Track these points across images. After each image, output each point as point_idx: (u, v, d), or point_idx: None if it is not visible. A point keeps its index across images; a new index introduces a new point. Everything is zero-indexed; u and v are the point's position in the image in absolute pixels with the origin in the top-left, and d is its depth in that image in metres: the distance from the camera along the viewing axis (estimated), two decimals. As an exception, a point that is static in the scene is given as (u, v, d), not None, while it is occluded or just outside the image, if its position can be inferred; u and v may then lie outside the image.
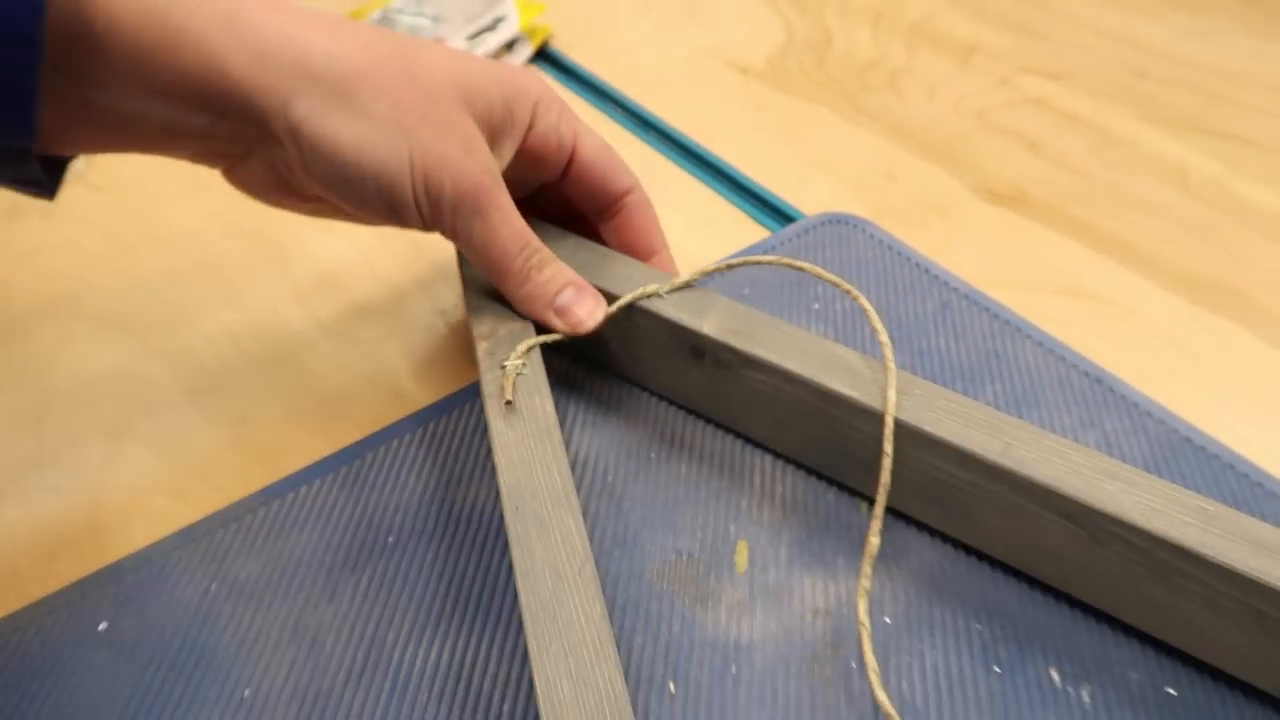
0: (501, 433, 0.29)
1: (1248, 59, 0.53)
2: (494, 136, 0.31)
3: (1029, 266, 0.40)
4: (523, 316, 0.32)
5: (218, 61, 0.27)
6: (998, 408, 0.34)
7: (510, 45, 0.54)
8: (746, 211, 0.44)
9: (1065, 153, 0.47)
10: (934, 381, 0.34)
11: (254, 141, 0.29)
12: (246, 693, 0.27)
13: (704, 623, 0.28)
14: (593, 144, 0.34)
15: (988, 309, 0.38)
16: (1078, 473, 0.26)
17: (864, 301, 0.31)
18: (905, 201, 0.44)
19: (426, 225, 0.31)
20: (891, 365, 0.29)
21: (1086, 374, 0.35)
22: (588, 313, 0.32)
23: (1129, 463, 0.32)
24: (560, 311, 0.32)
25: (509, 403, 0.29)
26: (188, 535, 0.31)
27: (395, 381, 0.36)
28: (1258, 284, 0.39)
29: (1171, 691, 0.27)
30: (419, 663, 0.27)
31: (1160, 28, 0.56)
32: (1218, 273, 0.40)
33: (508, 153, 0.32)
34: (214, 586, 0.29)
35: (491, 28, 0.53)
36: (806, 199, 0.44)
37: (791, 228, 0.42)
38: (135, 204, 0.45)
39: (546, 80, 0.35)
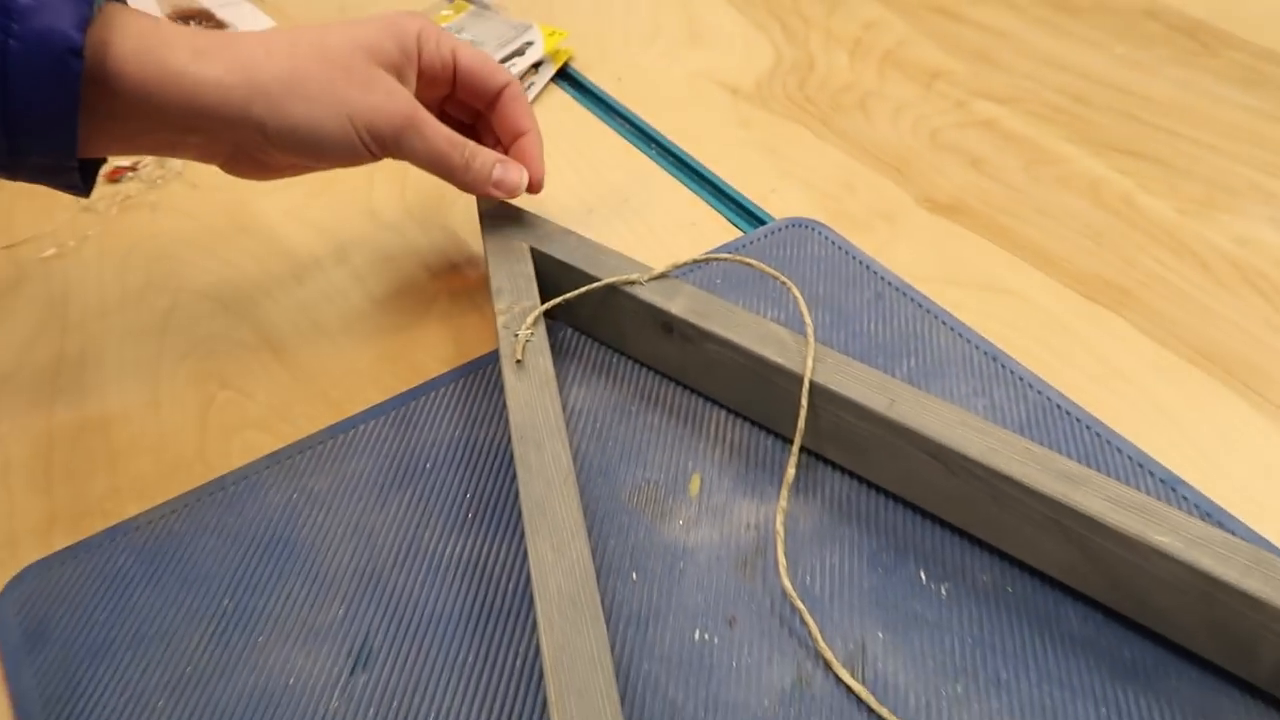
0: (513, 385, 0.38)
1: (1172, 87, 0.60)
2: (400, 73, 0.41)
3: (954, 265, 0.49)
4: (530, 297, 0.42)
5: (195, 95, 0.37)
6: (910, 379, 0.43)
7: (536, 66, 0.63)
8: (725, 215, 0.53)
9: (1002, 168, 0.55)
10: (860, 357, 0.43)
11: (235, 143, 0.39)
12: (317, 572, 0.36)
13: (662, 532, 0.37)
14: (468, 53, 0.44)
15: (913, 299, 0.46)
16: (941, 422, 0.35)
17: (795, 290, 0.40)
18: (859, 209, 0.52)
19: (378, 157, 0.41)
20: (811, 340, 0.38)
21: (985, 353, 0.44)
22: (515, 180, 0.43)
23: (1008, 423, 0.41)
24: (497, 184, 0.42)
25: (519, 362, 0.38)
26: (274, 459, 0.40)
27: (434, 346, 0.46)
28: (1141, 283, 0.48)
29: (1009, 589, 0.35)
30: (448, 553, 0.37)
31: (1103, 58, 0.63)
32: (1109, 273, 0.48)
33: (412, 81, 0.42)
34: (294, 496, 0.39)
35: (521, 52, 0.62)
36: (776, 205, 0.53)
37: (760, 229, 0.51)
38: (224, 200, 0.55)
39: (419, 14, 0.43)
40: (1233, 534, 0.33)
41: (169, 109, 0.36)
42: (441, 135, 0.41)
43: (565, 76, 0.64)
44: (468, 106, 0.46)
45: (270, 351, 0.46)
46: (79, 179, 0.37)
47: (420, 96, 0.43)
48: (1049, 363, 0.44)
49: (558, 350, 0.44)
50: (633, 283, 0.41)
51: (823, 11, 0.69)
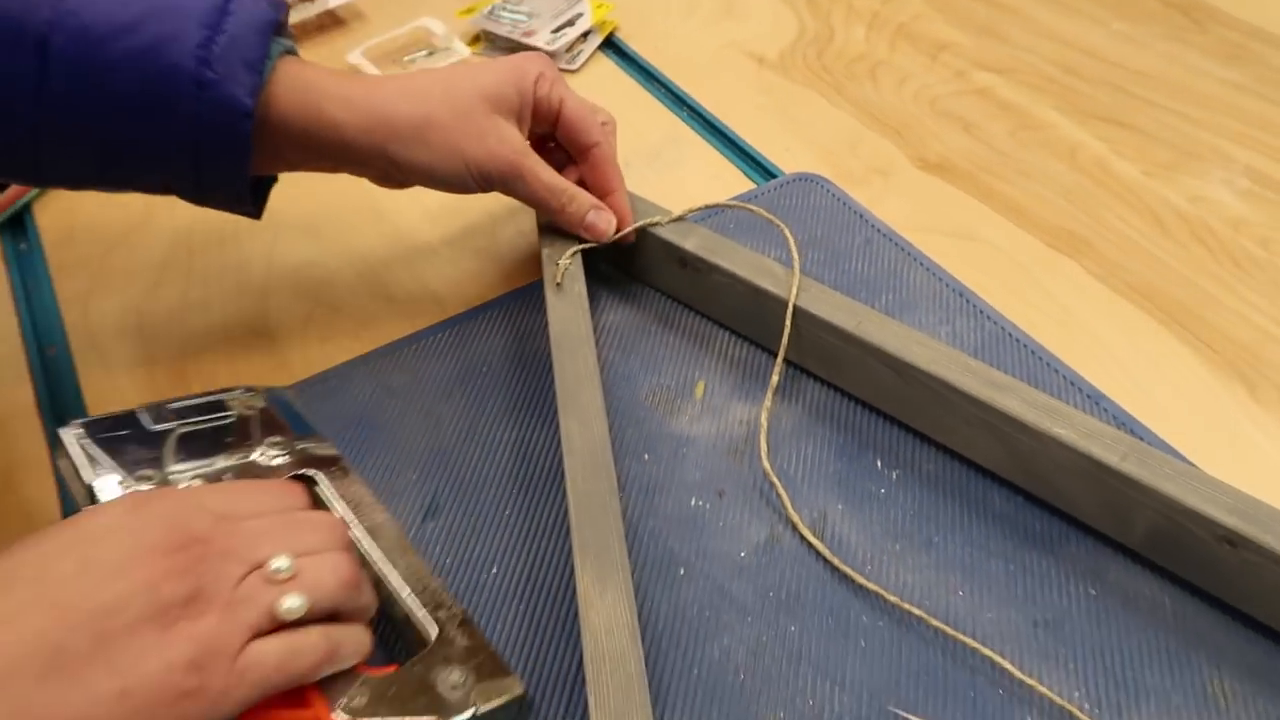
0: (553, 303, 0.47)
1: (1160, 60, 0.67)
2: (518, 117, 0.47)
3: (936, 216, 0.56)
4: (570, 235, 0.50)
5: (344, 139, 0.44)
6: (888, 310, 0.50)
7: (585, 35, 0.71)
8: (743, 169, 0.61)
9: (990, 133, 0.62)
10: (846, 291, 0.51)
11: (378, 170, 0.47)
12: (395, 447, 0.46)
13: (670, 424, 0.46)
14: (573, 104, 0.49)
15: (896, 244, 0.54)
16: (898, 340, 0.43)
17: (787, 231, 0.48)
18: (858, 166, 0.60)
19: (488, 191, 0.48)
20: (797, 272, 0.46)
21: (954, 290, 0.51)
22: (605, 226, 0.49)
23: (965, 347, 0.48)
24: (588, 227, 0.49)
25: (559, 285, 0.47)
26: (362, 360, 0.50)
27: (489, 276, 0.55)
28: (1099, 235, 0.55)
29: (948, 478, 0.43)
30: (499, 435, 0.46)
31: (1099, 32, 0.70)
32: (1073, 226, 0.55)
33: (527, 119, 0.48)
34: (377, 390, 0.49)
35: (571, 22, 0.71)
36: (788, 162, 0.61)
37: (771, 182, 0.59)
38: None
39: (544, 59, 0.49)
40: (1134, 434, 0.41)
41: (325, 149, 0.45)
42: (542, 183, 0.47)
43: (610, 45, 0.72)
44: (564, 149, 0.51)
45: (356, 278, 0.55)
46: (252, 208, 0.47)
47: (531, 131, 0.49)
48: (1007, 300, 0.51)
49: (592, 280, 0.53)
50: (656, 224, 0.50)
51: (846, -13, 0.76)
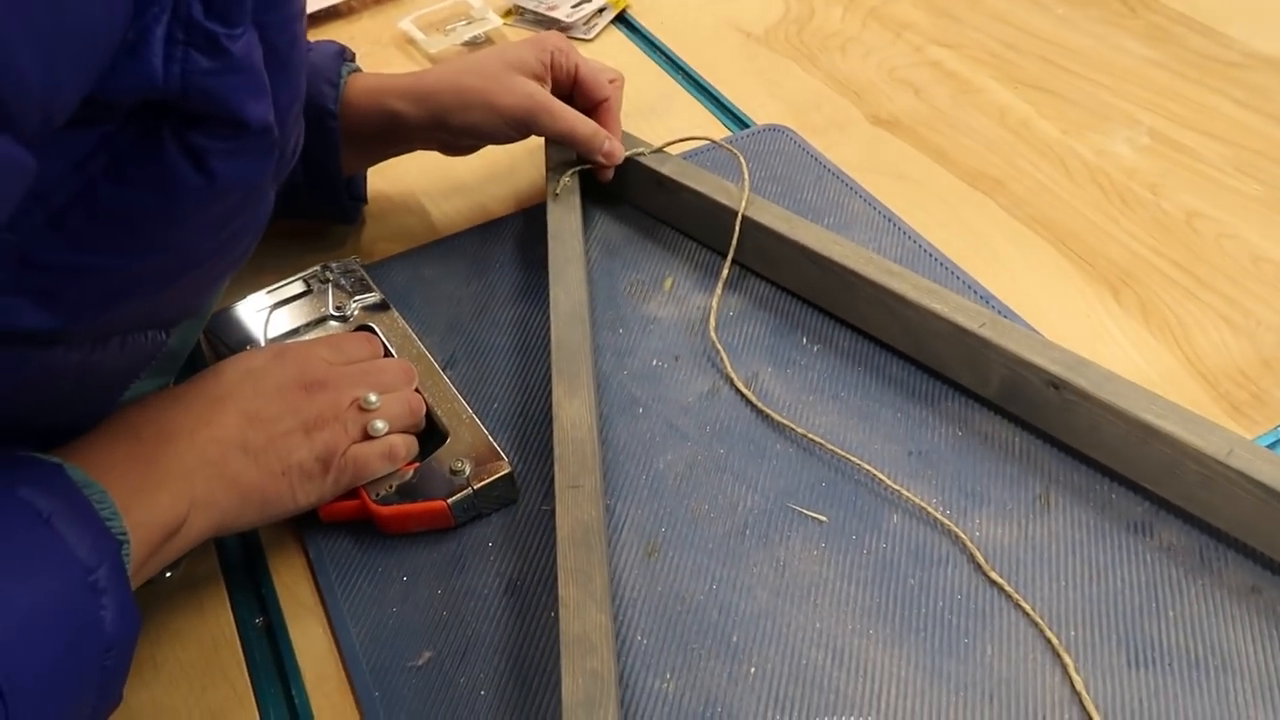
0: (551, 208, 0.59)
1: (1090, 40, 0.77)
2: (538, 78, 0.59)
3: (880, 161, 0.68)
4: (571, 161, 0.62)
5: (406, 127, 0.58)
6: (829, 229, 0.62)
7: (600, 10, 0.83)
8: (723, 121, 0.72)
9: (935, 97, 0.73)
10: (796, 214, 0.62)
11: (439, 142, 0.60)
12: (422, 318, 0.58)
13: (641, 309, 0.58)
14: (586, 67, 0.61)
15: (843, 181, 0.65)
16: (819, 241, 0.54)
17: (741, 159, 0.60)
18: (821, 121, 0.71)
19: (525, 136, 0.60)
20: (746, 189, 0.58)
21: (884, 216, 0.63)
22: (619, 152, 0.60)
23: (889, 259, 0.60)
24: (606, 154, 0.60)
25: (556, 195, 0.59)
26: (402, 255, 0.62)
27: (508, 198, 0.67)
28: (1014, 178, 0.65)
29: (856, 350, 0.55)
30: (505, 314, 0.58)
31: (1044, 17, 0.80)
32: (993, 171, 0.66)
33: (547, 83, 0.60)
34: (412, 277, 0.61)
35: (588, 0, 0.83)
36: (762, 116, 0.72)
37: (744, 131, 0.70)
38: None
39: (561, 36, 0.62)
40: (1002, 315, 0.52)
41: (395, 135, 0.59)
42: (564, 117, 0.58)
43: (622, 19, 0.84)
44: (582, 105, 0.62)
45: (401, 202, 0.68)
46: (350, 209, 0.62)
47: (554, 93, 0.60)
48: (929, 225, 0.62)
49: (586, 198, 0.64)
50: (640, 153, 0.62)
51: (830, -25, 0.88)
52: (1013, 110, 0.71)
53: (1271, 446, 0.50)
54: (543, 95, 0.58)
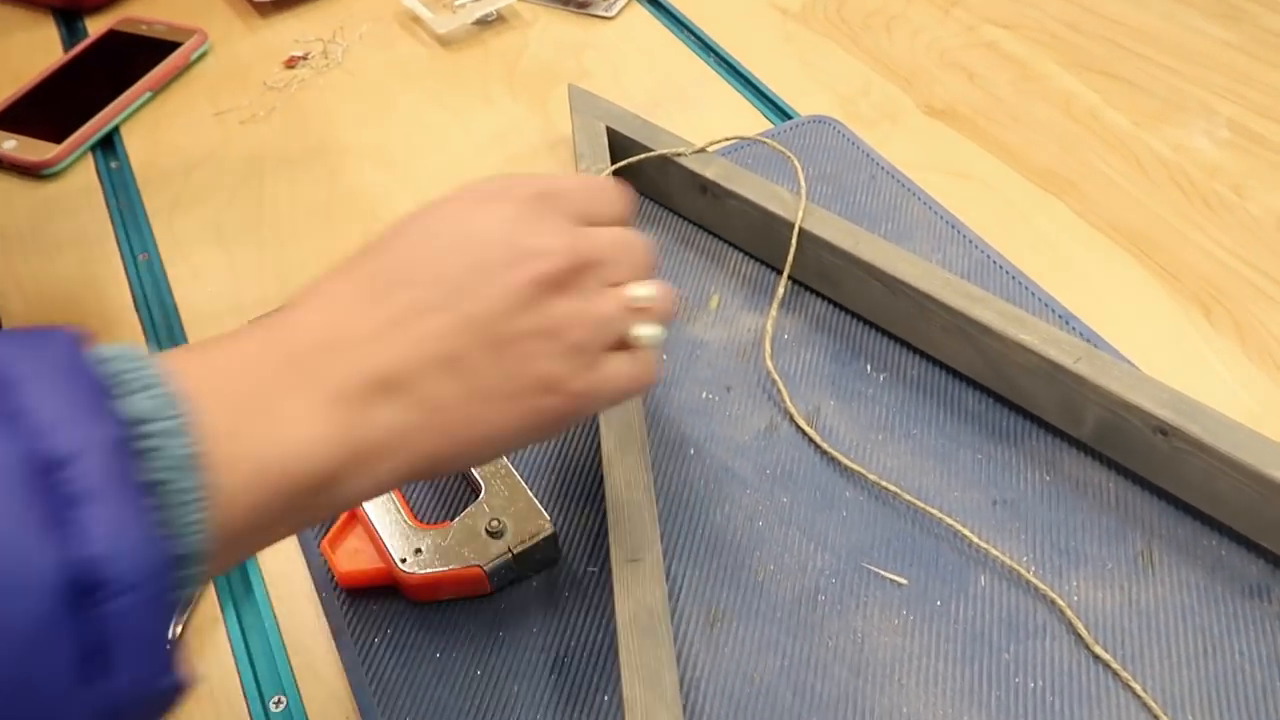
0: (586, 220, 0.53)
1: (1158, 19, 0.71)
2: None
3: (937, 156, 0.62)
4: (603, 161, 0.56)
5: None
6: (887, 238, 0.56)
7: (622, -15, 0.77)
8: (762, 111, 0.66)
9: (993, 83, 0.67)
10: (849, 219, 0.57)
11: None
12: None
13: (686, 331, 0.52)
14: None
15: (898, 180, 0.60)
16: (887, 258, 0.49)
17: (795, 161, 0.54)
18: (870, 111, 0.65)
19: None
20: (804, 199, 0.52)
21: (947, 222, 0.57)
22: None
23: (954, 272, 0.54)
24: None
25: (592, 205, 0.54)
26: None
27: (530, 200, 0.61)
28: (1085, 177, 0.60)
29: (928, 381, 0.49)
30: (535, 336, 0.53)
31: (1105, -9, 0.74)
32: (1061, 169, 0.61)
33: None
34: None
35: (609, -27, 0.76)
36: (805, 105, 0.66)
37: (788, 123, 0.64)
38: (375, 83, 0.71)
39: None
40: (1097, 348, 0.47)
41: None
42: None
43: (645, -5, 0.78)
44: None
45: (411, 199, 0.62)
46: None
47: None
48: (995, 232, 0.57)
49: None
50: (680, 154, 0.56)
51: (869, -56, 0.81)
52: (1079, 99, 0.65)
53: (1392, 491, 0.45)
54: None
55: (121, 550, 0.21)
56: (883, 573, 0.43)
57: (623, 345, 0.34)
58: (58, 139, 0.66)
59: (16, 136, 0.66)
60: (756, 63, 0.70)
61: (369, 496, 0.30)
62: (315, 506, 0.28)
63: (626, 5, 0.76)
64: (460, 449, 0.31)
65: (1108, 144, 0.62)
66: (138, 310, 0.57)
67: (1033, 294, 0.53)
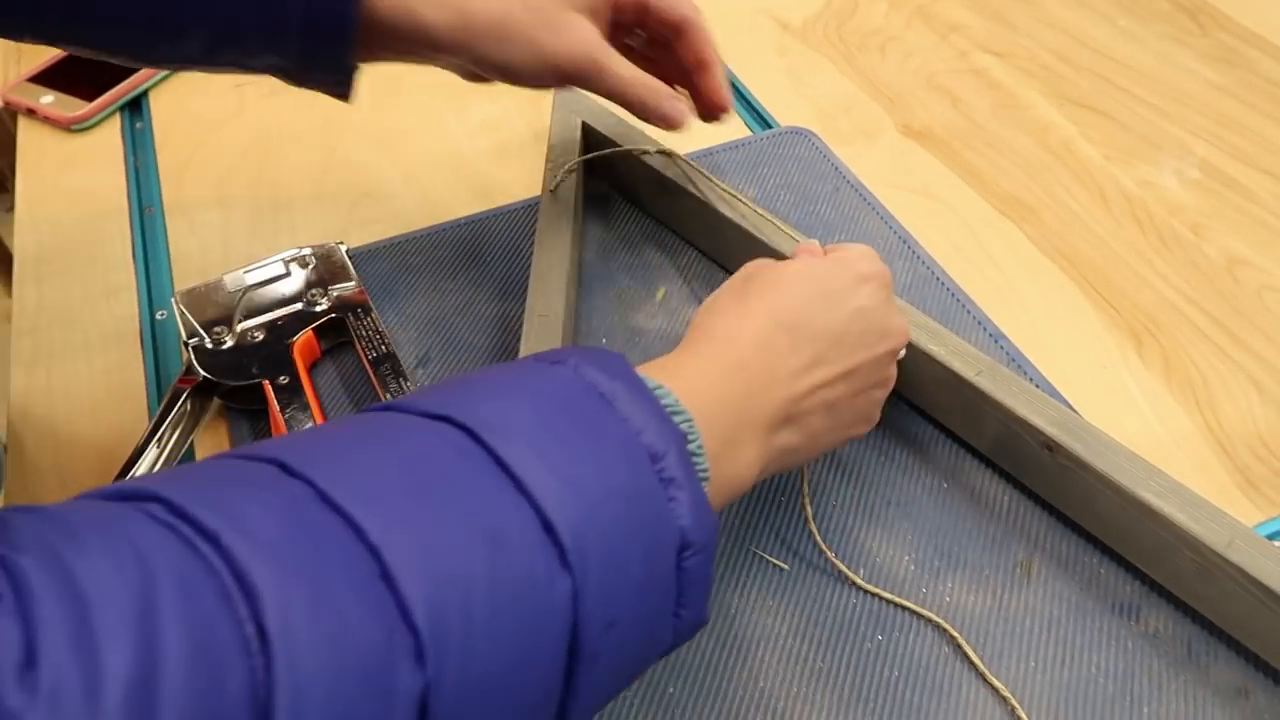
0: (545, 206, 0.56)
1: (1152, 57, 0.72)
2: (593, 11, 0.48)
3: (904, 175, 0.64)
4: (573, 154, 0.59)
5: (431, 36, 0.45)
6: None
7: (634, -9, 0.80)
8: (745, 119, 0.69)
9: (974, 108, 0.68)
10: (806, 229, 0.59)
11: (461, 67, 0.49)
12: (401, 310, 0.56)
13: (630, 319, 0.55)
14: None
15: (861, 194, 0.62)
16: (819, 263, 0.51)
17: (680, 157, 0.56)
18: (848, 127, 0.67)
19: (563, 86, 0.49)
20: (751, 203, 0.54)
21: (899, 235, 0.59)
22: (679, 116, 0.48)
23: (896, 285, 0.56)
24: (663, 117, 0.48)
25: (553, 191, 0.57)
26: (390, 241, 0.60)
27: (508, 186, 0.64)
28: (1045, 206, 0.61)
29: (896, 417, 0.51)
30: (487, 311, 0.56)
31: (1105, 28, 0.75)
32: (1025, 195, 0.62)
33: (604, 16, 0.48)
34: (398, 266, 0.59)
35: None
36: (787, 116, 0.68)
37: (766, 132, 0.66)
38: (382, 71, 0.75)
39: None
40: (1021, 370, 0.48)
41: (416, 46, 0.47)
42: (619, 75, 0.47)
43: (655, 2, 0.80)
44: (654, 36, 0.51)
45: (401, 178, 0.66)
46: (347, 91, 0.49)
47: (613, 24, 0.49)
48: (946, 251, 0.58)
49: (589, 197, 0.62)
50: (645, 152, 0.59)
51: (881, -34, 0.83)
52: (1056, 129, 0.66)
53: (1286, 531, 0.46)
54: (601, 47, 0.47)
55: (698, 523, 0.30)
56: (767, 556, 0.45)
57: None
58: (90, 98, 0.71)
59: (55, 93, 0.72)
60: (747, 73, 0.72)
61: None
62: (727, 497, 0.36)
63: (635, 10, 0.79)
64: (800, 459, 0.40)
65: (1075, 175, 0.63)
66: (133, 257, 0.61)
67: (968, 311, 0.54)
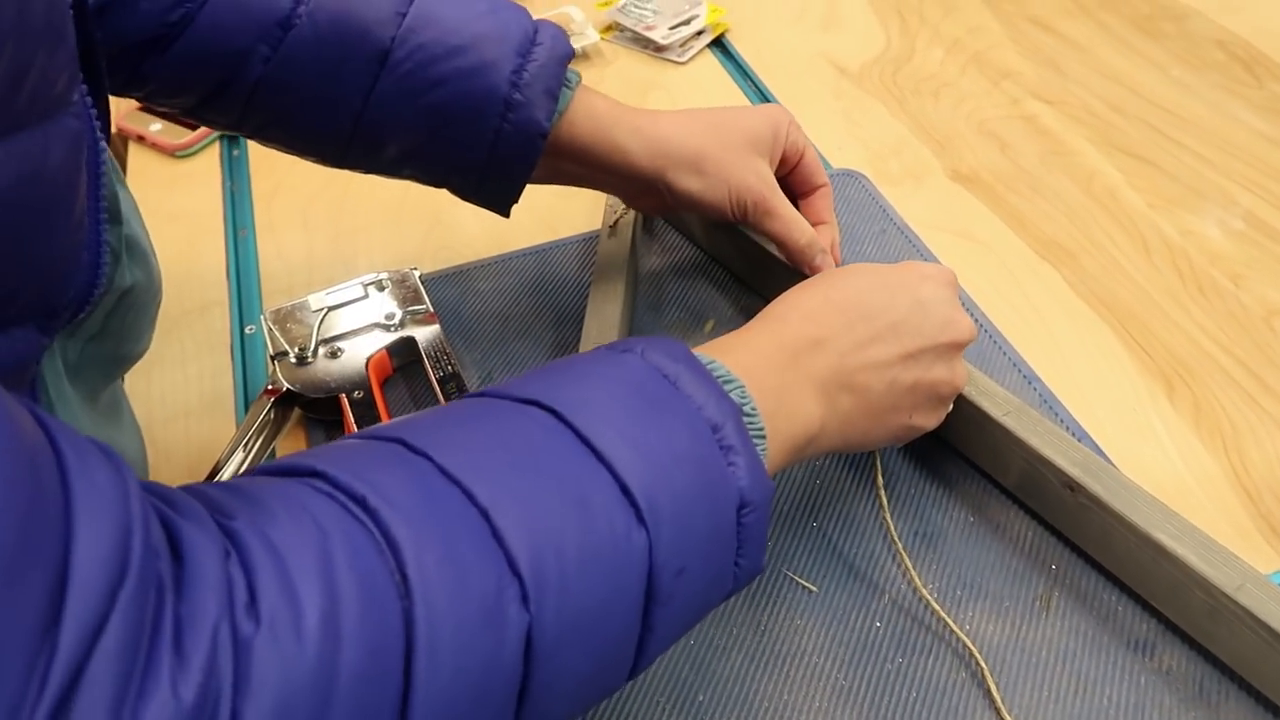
0: (604, 242, 0.60)
1: (1204, 107, 0.73)
2: (770, 158, 0.53)
3: (950, 217, 0.66)
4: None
5: (631, 159, 0.51)
6: (881, 286, 0.61)
7: (699, 33, 0.84)
8: (798, 160, 0.72)
9: (1022, 154, 0.71)
10: (849, 266, 0.62)
11: (643, 191, 0.53)
12: (466, 333, 0.60)
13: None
14: (811, 152, 0.55)
15: (905, 235, 0.64)
16: (859, 303, 0.54)
17: (797, 210, 0.59)
18: (897, 169, 0.70)
19: (739, 221, 0.54)
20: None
21: (940, 278, 0.61)
22: (828, 267, 0.53)
23: (934, 324, 0.58)
24: (813, 269, 0.53)
25: (612, 228, 0.61)
26: (459, 269, 0.65)
27: (571, 218, 0.68)
28: (1086, 251, 0.63)
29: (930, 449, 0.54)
30: (547, 336, 0.60)
31: (1157, 77, 0.76)
32: (1066, 240, 0.64)
33: (775, 161, 0.54)
34: (466, 291, 0.63)
35: (687, 22, 0.83)
36: (838, 158, 0.71)
37: (817, 173, 0.70)
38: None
39: (787, 112, 0.55)
40: (1052, 412, 0.50)
41: (608, 169, 0.51)
42: (787, 218, 0.52)
43: (718, 44, 0.84)
44: (792, 187, 0.56)
45: (471, 208, 0.70)
46: (508, 211, 0.54)
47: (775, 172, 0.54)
48: (984, 291, 0.61)
49: (653, 236, 0.65)
50: (700, 192, 0.62)
51: (940, 13, 0.85)
52: (1102, 176, 0.68)
53: (1306, 578, 0.47)
54: (772, 185, 0.53)
55: (755, 484, 0.34)
56: (797, 579, 0.48)
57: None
58: (194, 127, 0.78)
59: (162, 121, 0.78)
60: (804, 115, 0.75)
61: (814, 458, 0.44)
62: (793, 460, 0.41)
63: (699, 53, 0.83)
64: (866, 437, 0.44)
65: (1118, 222, 0.65)
66: (226, 275, 0.67)
67: (1003, 352, 0.57)
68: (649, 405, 0.34)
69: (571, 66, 0.50)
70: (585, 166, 0.52)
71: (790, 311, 0.43)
